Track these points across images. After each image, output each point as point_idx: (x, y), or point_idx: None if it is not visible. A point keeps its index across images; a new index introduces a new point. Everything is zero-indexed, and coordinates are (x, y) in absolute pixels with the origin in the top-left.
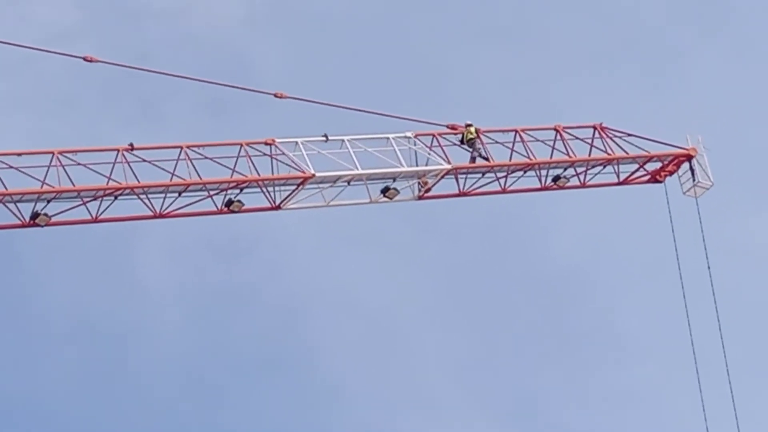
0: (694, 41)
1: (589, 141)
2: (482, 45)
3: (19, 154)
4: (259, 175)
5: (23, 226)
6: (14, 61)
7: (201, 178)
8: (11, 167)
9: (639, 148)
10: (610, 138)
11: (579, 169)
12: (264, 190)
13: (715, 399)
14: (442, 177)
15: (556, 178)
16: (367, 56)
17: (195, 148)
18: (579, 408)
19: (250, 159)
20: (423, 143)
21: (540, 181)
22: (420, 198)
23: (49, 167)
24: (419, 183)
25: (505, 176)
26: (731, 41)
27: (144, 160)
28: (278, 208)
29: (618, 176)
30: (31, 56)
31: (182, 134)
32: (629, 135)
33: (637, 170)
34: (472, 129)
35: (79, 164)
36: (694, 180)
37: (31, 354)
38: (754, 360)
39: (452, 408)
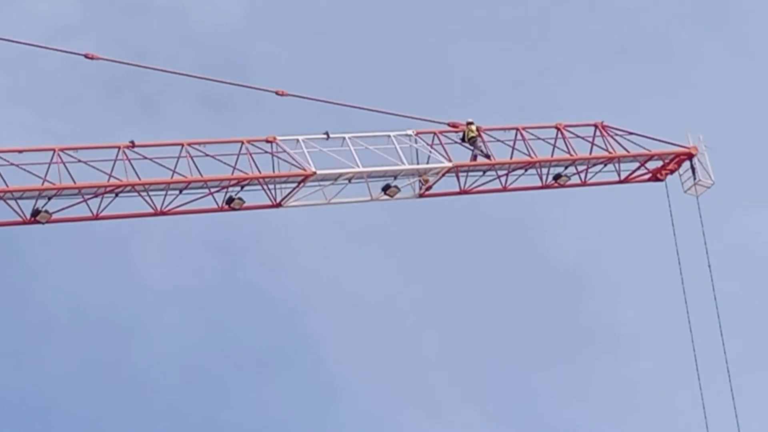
0: (695, 39)
1: (590, 139)
2: (483, 43)
3: (20, 151)
4: (260, 172)
5: (24, 223)
6: (15, 58)
7: (202, 176)
8: (12, 164)
9: (640, 146)
10: (611, 136)
11: (580, 168)
12: (265, 187)
13: (715, 396)
14: (443, 175)
15: (557, 177)
16: (369, 54)
17: (196, 146)
18: (579, 405)
19: (251, 156)
20: (424, 141)
21: (541, 179)
22: (421, 196)
23: (50, 164)
24: (420, 181)
25: (506, 174)
26: (733, 39)
27: (145, 158)
28: (279, 205)
29: (619, 175)
30: (32, 53)
31: (183, 131)
32: (630, 133)
33: (638, 169)
34: (473, 127)
35: (80, 161)
36: (695, 178)
37: (32, 351)
38: (753, 358)
39: (452, 405)
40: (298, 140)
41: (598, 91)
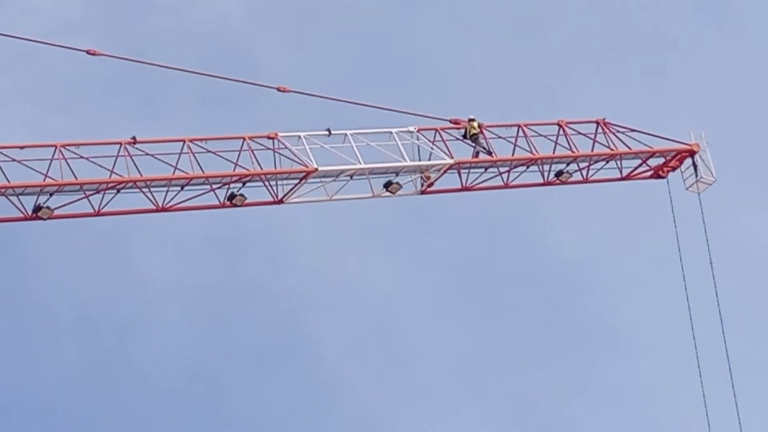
0: (697, 37)
1: (592, 136)
2: (486, 40)
3: (22, 147)
4: (261, 169)
5: (26, 219)
6: (17, 54)
7: (203, 172)
8: (14, 160)
9: (642, 143)
10: (613, 133)
11: (582, 165)
12: (267, 184)
13: (716, 394)
14: (445, 172)
15: (558, 174)
16: (370, 50)
17: (198, 142)
18: (580, 403)
19: (253, 153)
20: (426, 138)
21: (543, 176)
22: (422, 192)
23: (51, 160)
24: (422, 177)
25: (508, 171)
26: (735, 36)
27: (147, 154)
28: (281, 202)
29: (621, 172)
30: (34, 49)
31: (185, 128)
32: (632, 130)
33: (639, 166)
34: (475, 124)
35: (81, 157)
36: (696, 176)
37: (33, 347)
38: (754, 356)
39: (453, 402)
40: (299, 137)
41: (600, 88)
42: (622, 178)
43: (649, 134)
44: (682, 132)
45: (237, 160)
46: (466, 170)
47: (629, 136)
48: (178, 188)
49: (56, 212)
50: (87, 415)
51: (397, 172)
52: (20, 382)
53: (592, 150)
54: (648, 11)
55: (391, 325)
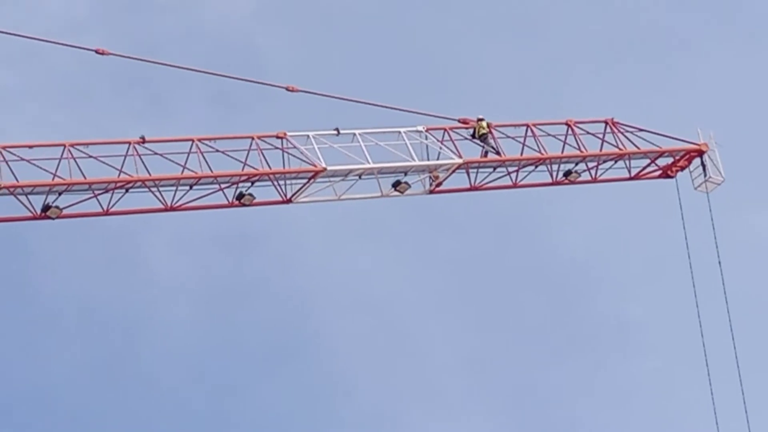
0: (706, 36)
1: (601, 136)
2: (494, 39)
3: (31, 147)
4: (270, 168)
5: (34, 218)
6: (25, 53)
7: (212, 171)
8: (23, 159)
9: (650, 143)
10: (622, 133)
11: (590, 164)
12: (275, 183)
13: (725, 393)
14: (454, 171)
15: (567, 173)
16: (379, 50)
17: (206, 141)
18: (587, 403)
19: (262, 152)
20: (434, 137)
21: (551, 175)
22: (431, 192)
23: (60, 160)
24: (430, 177)
25: (516, 171)
26: (744, 35)
27: (155, 153)
28: (289, 201)
29: (629, 171)
30: (43, 48)
31: (193, 127)
32: (640, 130)
33: (648, 165)
34: (484, 124)
35: (90, 157)
36: (705, 175)
37: (41, 346)
38: (763, 355)
39: (459, 401)
40: (308, 136)
41: (608, 87)
42: (631, 178)
43: (657, 134)
44: (690, 132)
45: (246, 160)
46: (475, 170)
47: (638, 136)
48: (187, 188)
49: (65, 211)
50: (93, 413)
51: (405, 171)
52: (27, 380)
53: (601, 150)
54: (656, 10)
55: (398, 323)
